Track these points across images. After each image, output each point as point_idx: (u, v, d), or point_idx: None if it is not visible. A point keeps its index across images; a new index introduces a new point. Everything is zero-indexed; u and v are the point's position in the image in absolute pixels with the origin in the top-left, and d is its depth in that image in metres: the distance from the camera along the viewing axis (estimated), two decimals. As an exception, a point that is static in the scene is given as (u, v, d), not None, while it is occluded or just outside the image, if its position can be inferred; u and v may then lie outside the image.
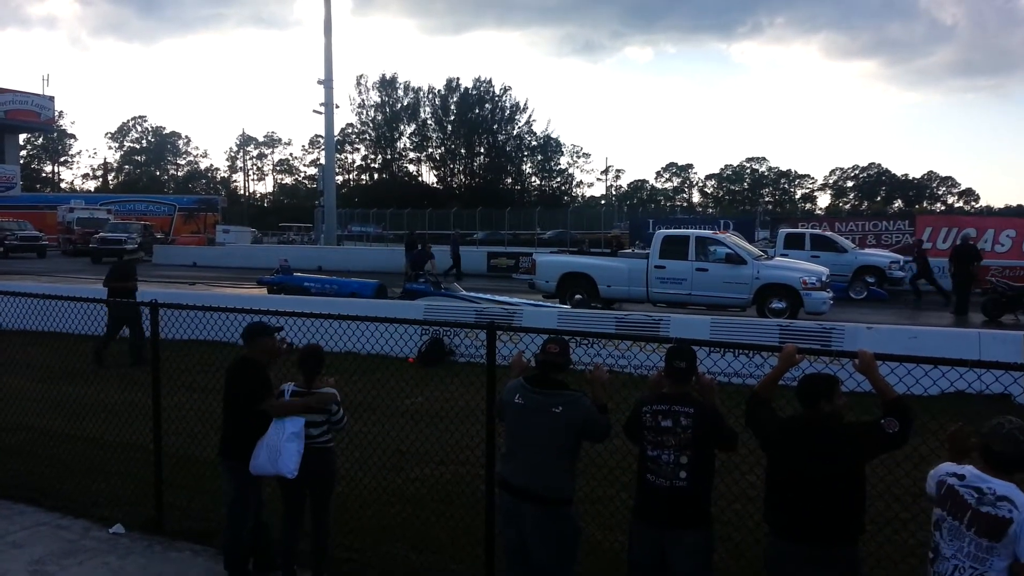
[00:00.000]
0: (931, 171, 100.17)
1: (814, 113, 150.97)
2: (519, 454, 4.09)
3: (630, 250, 21.38)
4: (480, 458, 5.03)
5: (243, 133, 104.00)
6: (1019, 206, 79.74)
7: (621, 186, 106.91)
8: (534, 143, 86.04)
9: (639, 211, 70.35)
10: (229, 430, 4.97)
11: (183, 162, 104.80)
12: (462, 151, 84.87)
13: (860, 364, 3.68)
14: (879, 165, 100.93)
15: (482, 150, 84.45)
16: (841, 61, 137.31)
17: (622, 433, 4.14)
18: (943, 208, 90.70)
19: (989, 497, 3.05)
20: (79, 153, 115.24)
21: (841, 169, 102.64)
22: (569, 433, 4.02)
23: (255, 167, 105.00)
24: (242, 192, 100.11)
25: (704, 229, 24.78)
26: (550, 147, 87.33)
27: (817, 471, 3.55)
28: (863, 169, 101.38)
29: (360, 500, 6.09)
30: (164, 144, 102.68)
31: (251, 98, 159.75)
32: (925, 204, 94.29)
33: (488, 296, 16.30)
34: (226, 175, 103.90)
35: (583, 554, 4.31)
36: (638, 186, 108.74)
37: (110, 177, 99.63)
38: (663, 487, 3.84)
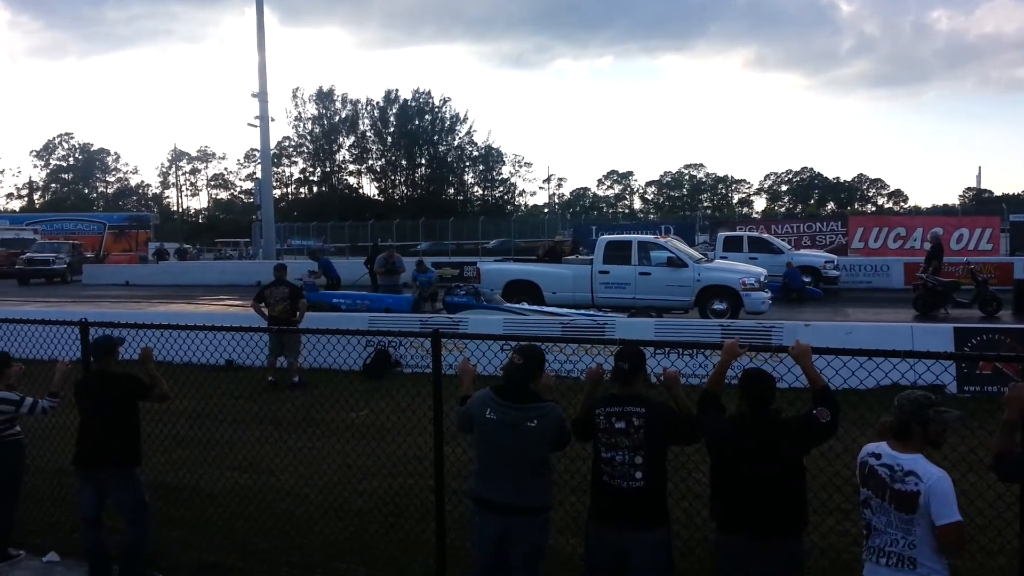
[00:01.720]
0: (861, 174, 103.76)
1: (749, 120, 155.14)
2: (497, 470, 3.99)
3: (573, 257, 21.42)
4: (428, 468, 4.97)
5: (175, 148, 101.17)
6: (945, 205, 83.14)
7: (564, 194, 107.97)
8: (475, 153, 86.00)
9: (582, 218, 70.94)
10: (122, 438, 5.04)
11: (113, 179, 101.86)
12: (403, 162, 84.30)
13: (795, 351, 3.84)
14: (812, 169, 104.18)
15: (423, 161, 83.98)
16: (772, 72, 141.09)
17: (571, 436, 4.13)
18: (874, 209, 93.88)
19: (899, 474, 3.28)
20: (2, 172, 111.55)
21: (776, 174, 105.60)
22: (545, 445, 3.99)
23: (188, 182, 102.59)
24: (175, 208, 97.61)
25: (646, 234, 25.21)
26: (492, 157, 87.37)
27: (761, 466, 3.62)
28: (796, 173, 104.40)
29: (307, 517, 5.97)
30: (92, 161, 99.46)
31: (183, 112, 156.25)
32: (856, 206, 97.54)
33: (535, 308, 15.61)
34: (158, 191, 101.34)
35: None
36: (580, 194, 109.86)
37: (36, 196, 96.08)
38: (620, 488, 3.84)
